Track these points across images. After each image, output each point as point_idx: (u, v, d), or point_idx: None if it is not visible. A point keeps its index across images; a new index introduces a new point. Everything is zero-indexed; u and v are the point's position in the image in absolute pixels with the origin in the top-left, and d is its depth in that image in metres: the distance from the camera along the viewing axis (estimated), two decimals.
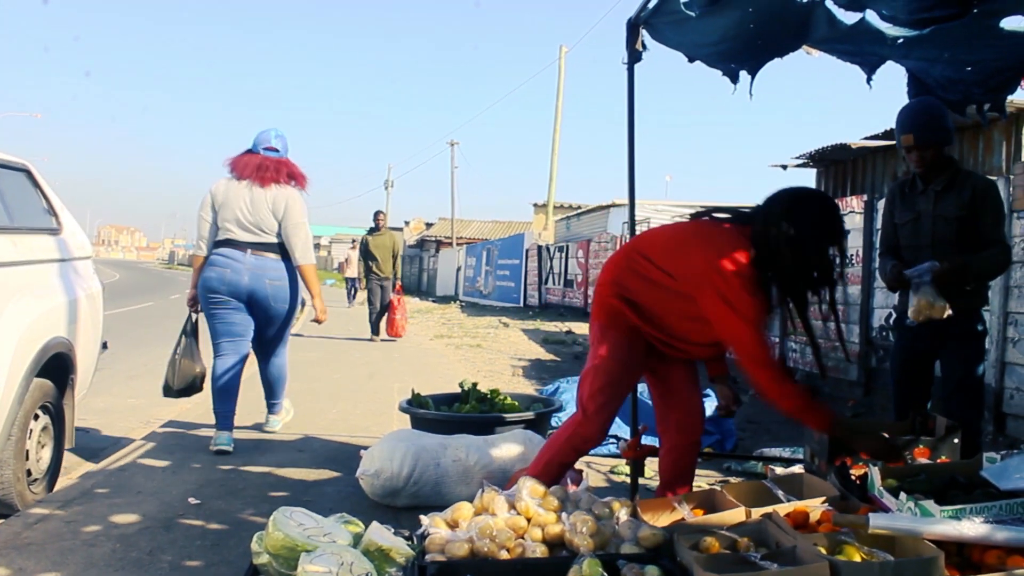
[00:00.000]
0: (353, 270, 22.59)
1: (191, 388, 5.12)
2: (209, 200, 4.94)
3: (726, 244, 3.02)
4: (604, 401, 3.18)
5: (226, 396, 4.91)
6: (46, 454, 4.14)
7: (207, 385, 5.10)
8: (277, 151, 5.09)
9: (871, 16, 3.40)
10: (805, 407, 3.00)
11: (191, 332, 5.13)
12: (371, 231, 12.97)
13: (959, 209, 3.58)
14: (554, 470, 3.22)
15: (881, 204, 6.83)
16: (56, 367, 4.13)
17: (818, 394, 3.26)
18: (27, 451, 3.88)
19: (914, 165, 3.67)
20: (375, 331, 12.92)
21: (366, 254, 12.79)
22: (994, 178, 6.00)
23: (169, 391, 5.10)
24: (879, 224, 6.75)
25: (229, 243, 4.89)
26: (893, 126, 3.75)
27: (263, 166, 4.97)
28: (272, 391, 5.44)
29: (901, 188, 3.84)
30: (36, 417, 3.98)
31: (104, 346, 5.04)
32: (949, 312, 3.40)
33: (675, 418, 3.36)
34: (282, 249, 4.99)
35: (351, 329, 14.20)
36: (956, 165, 3.71)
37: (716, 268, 2.96)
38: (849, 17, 3.43)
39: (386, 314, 12.66)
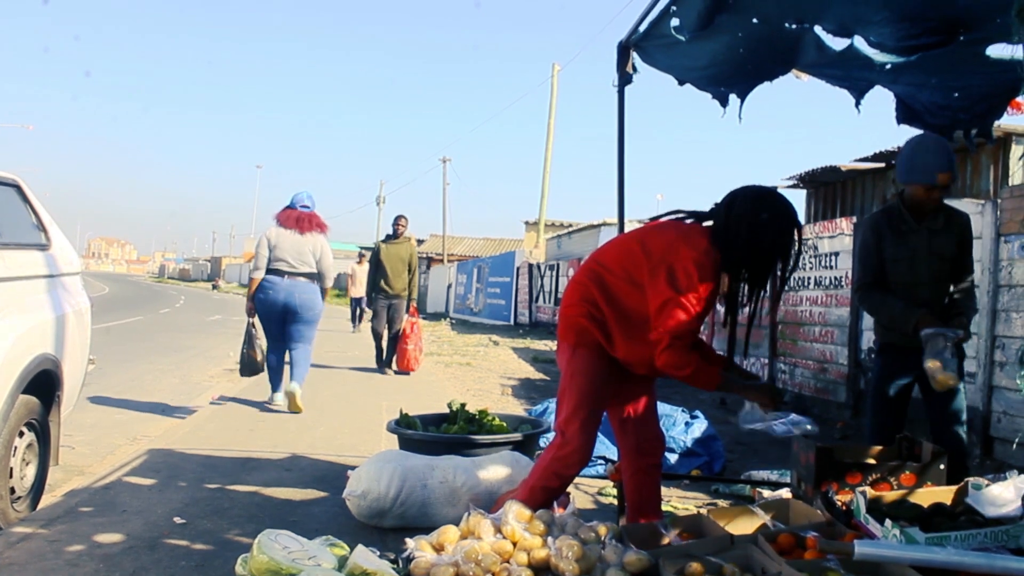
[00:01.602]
0: (359, 288, 18.33)
1: (256, 370, 7.30)
2: (266, 241, 7.08)
3: (687, 230, 3.09)
4: (581, 421, 3.15)
5: (275, 373, 7.30)
6: (30, 472, 4.11)
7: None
8: (308, 207, 7.28)
9: (859, 42, 3.44)
10: (696, 372, 3.01)
11: (251, 332, 7.22)
12: (387, 238, 10.53)
13: (954, 248, 3.65)
14: (538, 496, 3.18)
15: None
16: (42, 384, 4.10)
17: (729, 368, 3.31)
18: (11, 468, 3.85)
19: (931, 203, 3.63)
20: (384, 362, 10.67)
21: (376, 266, 10.43)
22: (982, 202, 6.06)
23: (242, 373, 7.44)
24: None
25: (275, 272, 7.03)
26: (882, 149, 3.77)
27: (301, 218, 7.17)
28: (296, 367, 7.20)
29: (888, 221, 3.74)
30: (21, 434, 3.95)
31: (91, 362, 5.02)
32: (952, 383, 3.42)
33: (633, 441, 3.36)
34: (311, 275, 7.12)
35: (356, 356, 12.66)
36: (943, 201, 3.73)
37: (675, 249, 2.99)
38: (838, 43, 3.47)
39: (396, 343, 10.46)
